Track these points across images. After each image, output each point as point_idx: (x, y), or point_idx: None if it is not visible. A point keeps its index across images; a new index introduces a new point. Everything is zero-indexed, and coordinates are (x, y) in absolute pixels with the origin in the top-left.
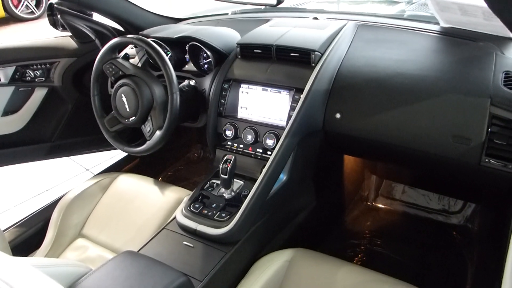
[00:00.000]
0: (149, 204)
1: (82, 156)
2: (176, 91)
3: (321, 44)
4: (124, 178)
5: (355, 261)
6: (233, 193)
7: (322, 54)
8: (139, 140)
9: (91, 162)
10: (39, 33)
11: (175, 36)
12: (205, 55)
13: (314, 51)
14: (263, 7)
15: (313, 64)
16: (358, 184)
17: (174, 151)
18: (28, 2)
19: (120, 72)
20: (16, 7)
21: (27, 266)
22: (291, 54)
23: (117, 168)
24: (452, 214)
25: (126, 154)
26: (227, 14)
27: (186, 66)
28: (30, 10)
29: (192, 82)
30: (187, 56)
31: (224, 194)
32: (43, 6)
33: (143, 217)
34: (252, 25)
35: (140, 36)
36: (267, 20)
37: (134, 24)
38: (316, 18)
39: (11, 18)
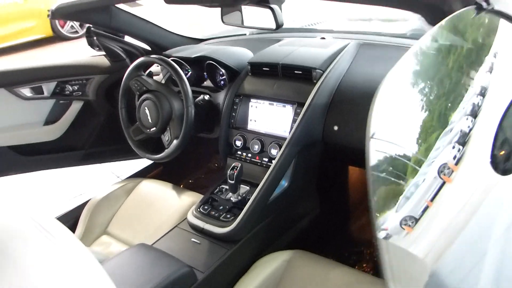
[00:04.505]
0: (166, 206)
1: (115, 164)
2: (190, 104)
3: (322, 62)
4: (147, 183)
5: (357, 267)
6: (239, 197)
7: (324, 72)
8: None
9: (123, 171)
10: (80, 51)
11: (193, 56)
12: (221, 72)
13: (315, 68)
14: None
15: (314, 81)
16: (365, 194)
17: (196, 161)
18: (73, 22)
19: (144, 88)
20: (62, 27)
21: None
22: (295, 71)
23: (142, 174)
24: None
25: (151, 162)
26: (245, 34)
27: (205, 82)
28: (75, 30)
29: (206, 97)
30: (205, 73)
31: (231, 198)
32: (86, 26)
33: (160, 218)
34: (266, 45)
35: (162, 56)
36: (279, 40)
37: (160, 45)
38: (323, 38)
39: (57, 37)
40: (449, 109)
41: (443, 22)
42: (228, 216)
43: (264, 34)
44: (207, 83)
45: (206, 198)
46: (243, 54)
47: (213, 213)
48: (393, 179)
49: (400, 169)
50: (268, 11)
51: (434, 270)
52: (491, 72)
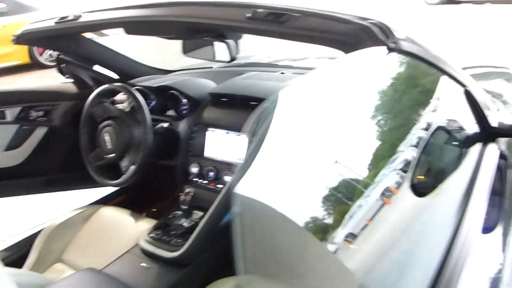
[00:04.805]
0: (123, 233)
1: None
2: (149, 131)
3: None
4: (105, 210)
5: None
6: (192, 223)
7: None
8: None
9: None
10: (58, 79)
11: (155, 85)
12: (183, 102)
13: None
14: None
15: None
16: None
17: (160, 189)
18: (51, 51)
19: (106, 115)
20: (41, 54)
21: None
22: (251, 102)
23: (104, 202)
24: None
25: (115, 189)
26: (211, 67)
27: (168, 111)
28: (53, 58)
29: (165, 125)
30: (168, 102)
31: (184, 223)
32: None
33: (115, 244)
34: (230, 77)
35: (124, 84)
36: (243, 73)
37: (128, 74)
38: (283, 73)
39: (35, 64)
40: (398, 140)
41: (349, 55)
42: (179, 240)
43: (230, 68)
44: (171, 112)
45: (159, 223)
46: (205, 85)
47: (164, 238)
48: (344, 199)
49: (350, 191)
50: (224, 45)
51: (363, 283)
52: (435, 111)
